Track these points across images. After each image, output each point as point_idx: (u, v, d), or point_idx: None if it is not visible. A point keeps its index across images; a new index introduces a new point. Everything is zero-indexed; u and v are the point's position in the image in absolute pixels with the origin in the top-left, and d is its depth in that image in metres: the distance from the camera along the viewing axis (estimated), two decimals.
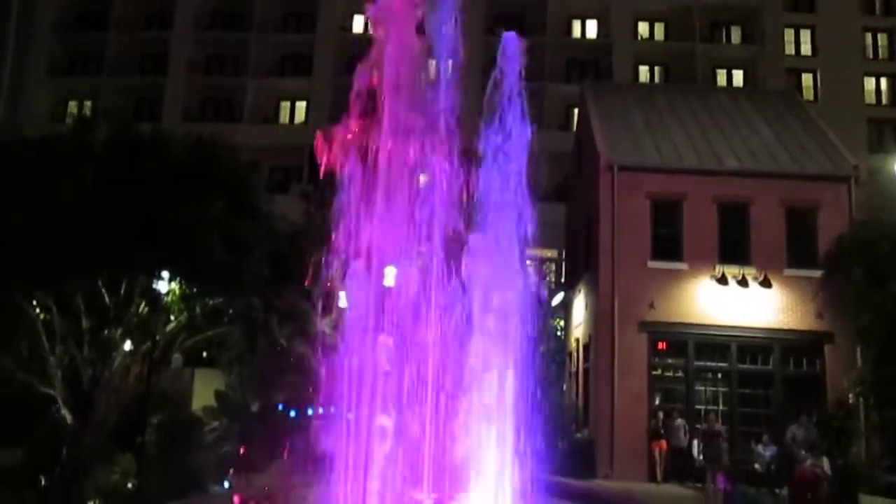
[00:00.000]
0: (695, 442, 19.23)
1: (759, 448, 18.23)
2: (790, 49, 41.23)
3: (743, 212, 21.51)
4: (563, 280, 32.84)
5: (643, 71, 41.03)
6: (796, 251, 21.19)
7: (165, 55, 40.87)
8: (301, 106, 41.30)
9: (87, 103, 41.03)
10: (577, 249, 26.78)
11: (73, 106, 41.08)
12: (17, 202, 14.41)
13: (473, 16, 40.67)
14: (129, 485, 14.16)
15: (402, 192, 10.56)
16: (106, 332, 17.27)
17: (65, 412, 16.73)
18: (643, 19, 41.64)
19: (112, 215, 14.42)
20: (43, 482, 11.86)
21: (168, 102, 39.87)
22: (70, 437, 14.54)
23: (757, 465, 17.99)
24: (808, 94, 39.60)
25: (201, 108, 40.78)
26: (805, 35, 41.65)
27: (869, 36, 41.86)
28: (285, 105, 41.70)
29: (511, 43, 11.14)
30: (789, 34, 41.29)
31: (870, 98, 40.98)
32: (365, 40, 40.14)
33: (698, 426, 19.68)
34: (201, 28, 41.59)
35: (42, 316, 17.26)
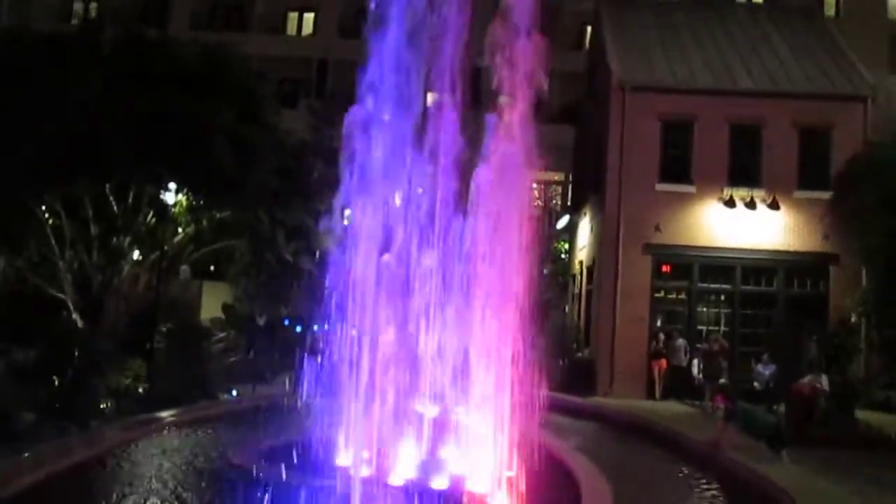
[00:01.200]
0: (695, 361, 19.56)
1: (759, 367, 18.54)
2: None
3: (755, 133, 21.21)
4: (569, 203, 32.70)
5: None
6: (808, 173, 20.98)
7: None
8: (309, 17, 40.28)
9: (93, 5, 40.13)
10: (584, 172, 26.58)
11: (78, 7, 40.18)
12: (26, 99, 14.26)
13: None
14: (140, 389, 14.56)
15: (411, 111, 10.41)
16: (115, 239, 17.42)
17: (76, 316, 17.05)
18: None
19: (119, 119, 14.30)
20: (56, 382, 12.20)
21: (176, 8, 38.93)
22: (81, 339, 14.85)
23: (756, 384, 18.32)
24: (830, 9, 38.18)
25: (210, 16, 39.79)
26: None
27: None
28: (293, 16, 40.67)
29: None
30: None
31: (894, 14, 39.59)
32: None
33: (699, 346, 19.98)
34: None
35: (51, 220, 17.37)
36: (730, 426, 12.18)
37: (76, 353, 13.18)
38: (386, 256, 9.56)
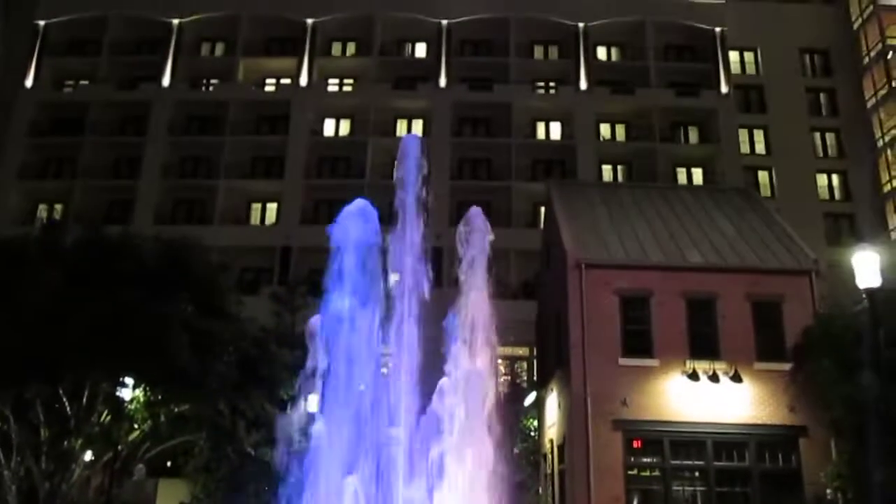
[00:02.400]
0: None
1: None
2: (746, 148, 43.16)
3: (710, 306, 21.77)
4: (535, 378, 32.63)
5: (606, 169, 42.39)
6: (764, 344, 21.36)
7: (139, 158, 41.37)
8: (272, 207, 41.71)
9: (58, 206, 41.01)
10: (548, 347, 26.75)
11: (42, 209, 40.99)
12: None
13: (442, 118, 42.04)
14: None
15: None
16: (66, 442, 16.66)
17: None
18: (605, 121, 43.34)
19: (77, 319, 14.19)
20: None
21: (140, 204, 40.04)
22: None
23: None
24: (766, 190, 41.17)
25: (173, 210, 40.97)
26: (759, 135, 43.71)
27: (818, 135, 44.04)
28: (256, 206, 42.09)
29: (476, 217, 11.81)
30: (744, 134, 43.30)
31: (824, 193, 42.69)
32: (335, 143, 41.02)
33: None
34: (176, 132, 42.31)
35: None
36: None
37: None
38: (351, 479, 9.39)
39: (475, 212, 11.76)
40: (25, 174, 41.50)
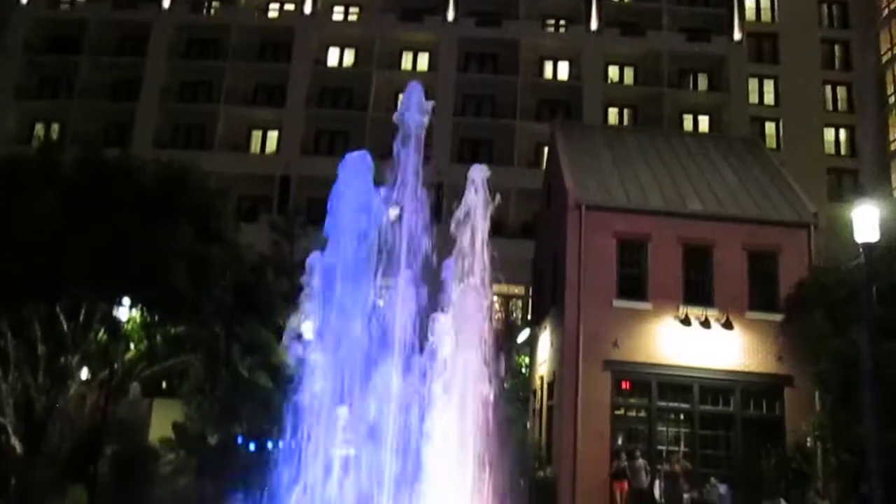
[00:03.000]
0: (656, 482, 19.24)
1: (707, 488, 18.44)
2: (754, 98, 42.49)
3: (706, 254, 21.86)
4: (529, 316, 32.93)
5: (612, 113, 41.86)
6: (758, 294, 21.53)
7: (138, 80, 40.71)
8: (273, 136, 41.29)
9: (55, 126, 40.56)
10: (543, 286, 26.93)
11: (39, 128, 40.54)
12: None
13: (448, 51, 41.29)
14: None
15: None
16: (62, 359, 16.88)
17: (15, 441, 16.23)
18: (613, 63, 42.58)
19: (75, 241, 14.19)
20: None
21: (139, 128, 39.59)
22: (19, 467, 14.08)
23: None
24: (771, 142, 40.72)
25: (172, 135, 40.57)
26: (768, 85, 42.99)
27: (829, 89, 43.34)
28: (257, 134, 41.65)
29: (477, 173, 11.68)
30: (753, 83, 42.57)
31: (829, 148, 42.29)
32: (338, 74, 40.39)
33: (659, 467, 19.73)
34: (175, 55, 41.57)
35: None
36: None
37: (13, 482, 12.45)
38: (342, 409, 9.50)
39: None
40: (22, 93, 40.86)
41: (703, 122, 41.93)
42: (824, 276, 18.92)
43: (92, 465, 15.60)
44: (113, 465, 16.15)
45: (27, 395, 16.56)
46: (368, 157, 10.77)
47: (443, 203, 39.42)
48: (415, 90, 11.56)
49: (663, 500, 18.09)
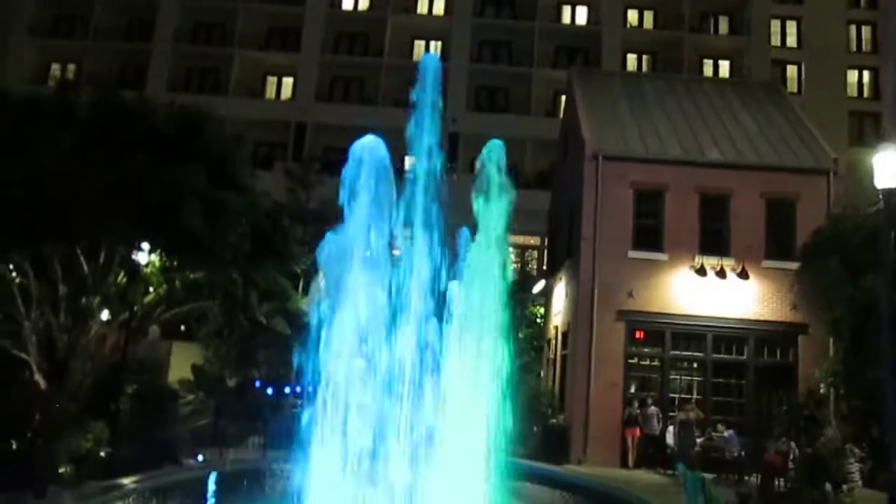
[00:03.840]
0: (669, 429, 19.49)
1: (714, 435, 18.68)
2: (776, 40, 41.39)
3: (723, 203, 21.69)
4: (544, 267, 32.96)
5: (631, 59, 41.09)
6: (774, 243, 21.42)
7: (152, 21, 40.27)
8: (288, 82, 40.92)
9: (71, 66, 40.38)
10: (559, 237, 26.88)
11: (55, 68, 40.37)
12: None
13: None
14: (102, 453, 14.08)
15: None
16: (83, 299, 17.12)
17: (38, 377, 16.60)
18: (632, 7, 41.64)
19: (91, 181, 14.24)
20: (14, 446, 11.78)
21: (153, 70, 39.33)
22: (43, 401, 14.43)
23: (726, 454, 18.27)
24: (793, 85, 39.87)
25: (186, 78, 40.30)
26: (791, 27, 41.82)
27: (853, 29, 42.09)
28: (272, 80, 41.29)
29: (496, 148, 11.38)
30: (776, 25, 41.44)
31: (852, 91, 41.28)
32: (353, 18, 39.81)
33: (672, 414, 19.94)
34: None
35: (18, 280, 17.07)
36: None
37: (37, 416, 12.78)
38: (359, 361, 9.56)
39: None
40: (37, 31, 40.57)
41: (724, 67, 41.07)
42: (842, 222, 18.73)
43: (113, 403, 15.96)
44: (133, 403, 16.51)
45: (49, 333, 16.86)
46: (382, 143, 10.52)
47: (458, 152, 39.23)
48: (430, 61, 11.24)
49: (676, 447, 18.32)
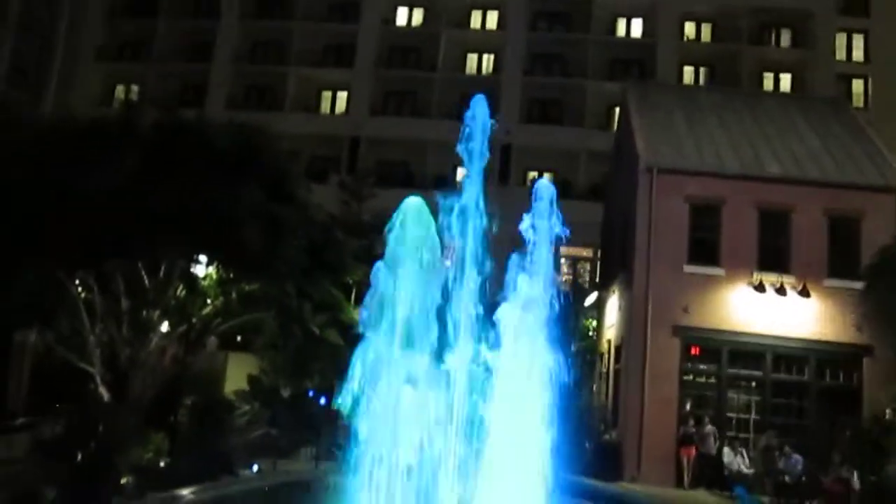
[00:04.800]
0: (725, 450, 19.05)
1: (782, 459, 18.10)
2: (841, 54, 40.26)
3: (784, 219, 21.17)
4: (597, 279, 32.62)
5: (688, 72, 40.49)
6: (837, 261, 20.81)
7: (211, 43, 41.43)
8: (342, 96, 41.56)
9: (134, 88, 41.78)
10: (612, 249, 26.60)
11: (120, 91, 41.84)
12: (64, 181, 14.73)
13: (517, 10, 40.55)
14: (162, 463, 14.45)
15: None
16: (144, 313, 17.61)
17: (102, 389, 17.11)
18: (689, 19, 41.07)
19: (155, 200, 14.69)
20: (79, 456, 12.17)
21: (212, 89, 40.41)
22: (106, 413, 14.88)
23: (787, 478, 17.75)
24: (858, 100, 38.69)
25: (245, 96, 41.28)
26: (857, 40, 40.64)
27: None
28: (327, 95, 41.98)
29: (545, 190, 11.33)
30: (841, 38, 40.32)
31: None
32: (407, 33, 40.20)
33: (730, 433, 19.47)
34: (247, 17, 42.07)
35: (83, 294, 17.66)
36: None
37: (100, 428, 13.18)
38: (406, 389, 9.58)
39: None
40: (102, 56, 42.15)
41: (785, 81, 40.13)
42: None
43: (172, 414, 16.36)
44: (191, 415, 16.90)
45: (112, 346, 17.38)
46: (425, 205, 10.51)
47: (510, 164, 39.17)
48: (479, 104, 11.30)
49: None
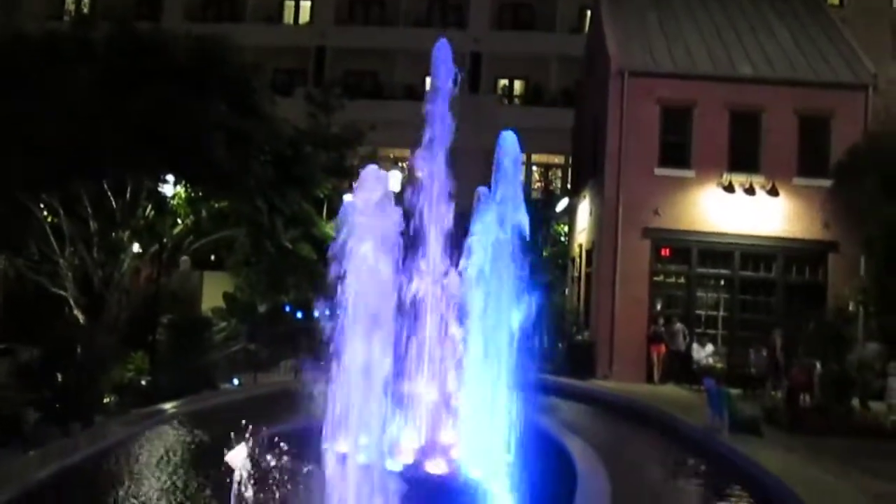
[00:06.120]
0: (694, 346, 19.67)
1: (752, 354, 18.72)
2: None
3: (755, 119, 21.19)
4: (568, 186, 32.72)
5: None
6: (807, 160, 21.00)
7: None
8: (305, 6, 39.99)
9: (85, 0, 39.92)
10: (583, 155, 26.57)
11: (70, 2, 39.97)
12: (19, 102, 14.26)
13: None
14: (143, 382, 14.61)
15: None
16: (113, 234, 17.44)
17: (77, 312, 17.10)
18: None
19: (113, 116, 14.30)
20: (59, 379, 12.26)
21: (168, 0, 38.75)
22: (83, 335, 14.92)
23: (753, 370, 18.42)
24: None
25: (203, 7, 39.61)
26: None
27: None
28: (289, 4, 40.42)
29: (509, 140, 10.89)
30: None
31: None
32: None
33: (698, 331, 19.99)
34: None
35: (50, 218, 17.40)
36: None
37: (79, 350, 13.23)
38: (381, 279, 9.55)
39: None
40: None
41: None
42: (879, 139, 18.24)
43: (150, 334, 16.44)
44: (169, 333, 16.99)
45: (84, 269, 17.26)
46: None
47: (481, 72, 38.36)
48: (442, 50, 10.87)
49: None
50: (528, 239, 10.62)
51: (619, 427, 14.55)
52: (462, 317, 10.40)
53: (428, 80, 11.86)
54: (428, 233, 10.80)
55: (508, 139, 10.80)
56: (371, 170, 8.82)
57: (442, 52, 10.63)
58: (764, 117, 21.12)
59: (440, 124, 10.72)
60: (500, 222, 10.72)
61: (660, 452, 12.76)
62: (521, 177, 11.63)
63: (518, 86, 38.05)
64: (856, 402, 15.34)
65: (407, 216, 10.31)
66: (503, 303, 10.54)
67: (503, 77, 37.84)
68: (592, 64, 26.10)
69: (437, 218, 10.84)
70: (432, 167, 10.89)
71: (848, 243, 19.92)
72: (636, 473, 10.63)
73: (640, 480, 10.35)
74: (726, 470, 10.34)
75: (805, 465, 10.24)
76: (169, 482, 8.96)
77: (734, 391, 14.63)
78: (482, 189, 11.29)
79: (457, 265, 10.86)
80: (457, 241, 11.12)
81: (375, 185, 8.86)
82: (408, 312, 10.43)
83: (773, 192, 20.80)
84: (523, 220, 10.52)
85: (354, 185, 10.24)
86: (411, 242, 10.40)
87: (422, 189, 10.85)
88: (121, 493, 8.51)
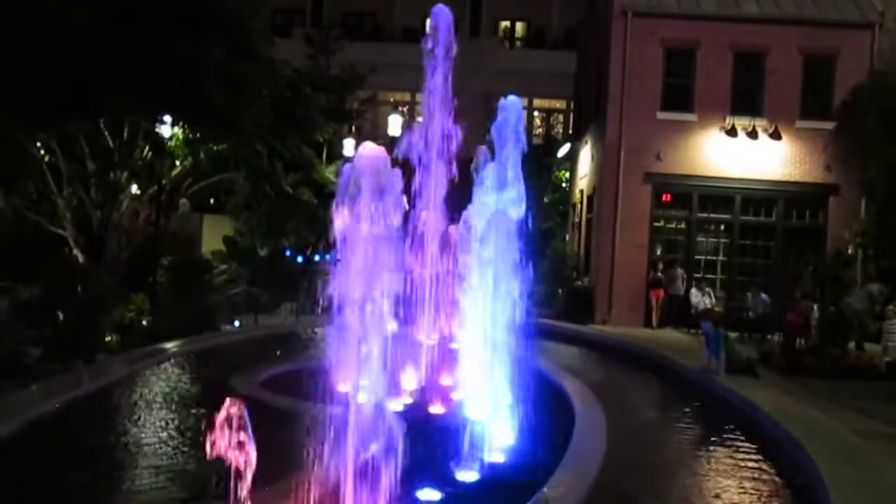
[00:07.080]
0: (692, 290, 19.75)
1: (750, 297, 18.79)
2: None
3: (759, 61, 20.85)
4: (570, 131, 32.42)
5: None
6: (811, 102, 20.73)
7: None
8: None
9: None
10: (586, 99, 26.24)
11: None
12: (11, 40, 13.98)
13: None
14: (144, 322, 14.75)
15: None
16: (112, 175, 17.35)
17: (76, 252, 17.13)
18: None
19: (107, 56, 14.04)
20: (60, 318, 12.35)
21: None
22: (84, 275, 14.98)
23: (750, 313, 18.55)
24: None
25: None
26: None
27: None
28: None
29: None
30: None
31: None
32: None
33: (697, 276, 20.03)
34: None
35: (47, 157, 17.28)
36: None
37: (79, 289, 13.31)
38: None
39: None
40: None
41: None
42: (884, 78, 17.95)
43: (150, 275, 16.52)
44: (170, 275, 17.07)
45: (83, 209, 17.24)
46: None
47: (481, 14, 37.55)
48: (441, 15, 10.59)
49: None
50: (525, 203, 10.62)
51: (617, 370, 14.71)
52: (463, 261, 10.45)
53: (428, 21, 11.66)
54: (429, 183, 10.76)
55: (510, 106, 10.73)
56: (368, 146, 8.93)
57: (441, 17, 10.50)
58: (768, 59, 20.77)
59: (440, 74, 10.60)
60: (499, 187, 10.71)
61: (656, 393, 12.95)
62: (523, 124, 11.59)
63: (520, 27, 37.35)
64: (852, 344, 15.48)
65: (407, 165, 10.27)
66: (503, 251, 10.56)
67: (504, 19, 37.14)
68: (595, 4, 25.56)
69: (437, 170, 10.80)
70: (433, 114, 10.80)
71: (849, 186, 19.82)
72: (632, 413, 10.79)
73: (637, 419, 10.52)
74: (721, 410, 10.49)
75: (799, 406, 10.38)
76: (173, 416, 9.12)
77: (732, 334, 14.75)
78: (482, 148, 11.23)
79: (458, 213, 10.86)
80: (458, 188, 11.08)
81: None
82: (410, 256, 10.46)
83: (776, 136, 20.60)
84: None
85: (354, 129, 10.13)
86: (414, 192, 10.38)
87: (422, 134, 10.76)
88: (128, 425, 8.67)
